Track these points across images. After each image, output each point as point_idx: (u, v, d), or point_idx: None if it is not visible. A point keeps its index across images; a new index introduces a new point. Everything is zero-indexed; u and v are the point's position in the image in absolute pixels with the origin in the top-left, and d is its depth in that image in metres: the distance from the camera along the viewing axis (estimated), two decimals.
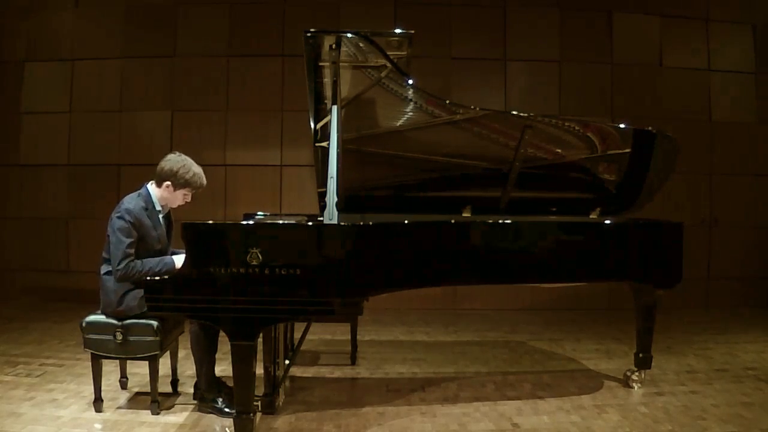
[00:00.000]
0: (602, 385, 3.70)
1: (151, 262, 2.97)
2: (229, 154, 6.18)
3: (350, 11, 6.11)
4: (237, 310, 2.62)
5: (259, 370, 2.96)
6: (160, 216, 3.15)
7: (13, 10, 6.28)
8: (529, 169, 3.68)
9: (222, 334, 2.77)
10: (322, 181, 3.44)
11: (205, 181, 3.16)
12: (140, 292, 2.90)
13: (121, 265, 2.91)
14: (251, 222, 3.46)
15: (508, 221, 3.24)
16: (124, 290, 3.01)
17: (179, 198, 3.14)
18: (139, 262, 2.95)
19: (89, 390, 3.20)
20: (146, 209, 3.06)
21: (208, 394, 3.16)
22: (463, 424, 3.08)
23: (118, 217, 2.97)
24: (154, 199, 3.11)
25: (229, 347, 2.64)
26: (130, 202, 3.04)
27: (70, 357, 4.14)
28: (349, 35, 2.98)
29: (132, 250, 2.95)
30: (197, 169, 3.12)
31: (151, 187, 3.13)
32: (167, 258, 3.02)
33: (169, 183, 3.08)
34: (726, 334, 5.08)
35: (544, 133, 3.61)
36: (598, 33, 6.32)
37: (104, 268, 3.04)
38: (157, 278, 2.72)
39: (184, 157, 3.13)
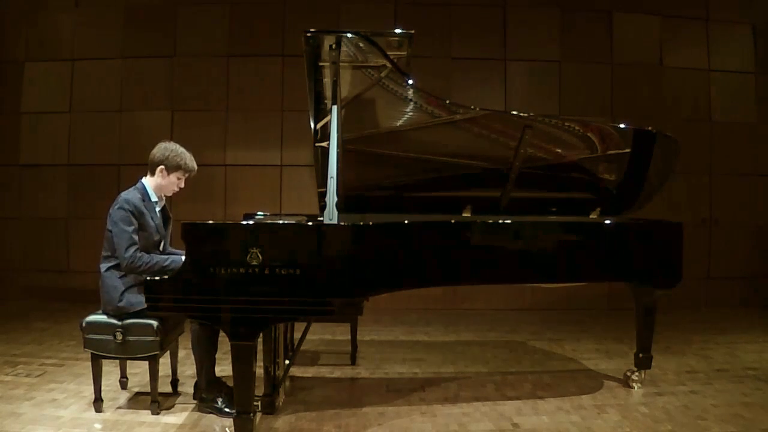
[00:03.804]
0: (602, 385, 3.70)
1: (160, 258, 3.01)
2: (229, 154, 6.17)
3: (350, 11, 6.11)
4: (237, 310, 2.62)
5: (259, 370, 2.97)
6: (157, 208, 3.20)
7: (13, 10, 6.28)
8: (530, 169, 3.68)
9: (222, 334, 2.77)
10: (322, 181, 3.43)
11: (195, 165, 3.24)
12: (141, 289, 2.91)
13: (129, 252, 2.94)
14: (251, 222, 3.46)
15: (509, 221, 3.24)
16: (125, 287, 3.02)
17: (173, 183, 3.19)
18: (146, 254, 2.99)
19: (89, 390, 3.20)
20: (143, 201, 3.11)
21: (208, 394, 3.16)
22: (463, 424, 3.08)
23: (118, 208, 3.02)
24: (150, 190, 3.17)
25: (229, 347, 2.64)
26: (128, 194, 3.10)
27: (70, 357, 4.14)
28: (349, 35, 2.97)
29: (137, 237, 2.98)
30: (187, 154, 3.20)
31: (146, 179, 3.19)
32: (177, 258, 3.03)
33: (162, 167, 3.14)
34: (726, 334, 5.08)
35: (544, 133, 3.60)
36: (598, 33, 6.32)
37: (104, 266, 3.05)
38: (157, 278, 2.72)
39: (173, 143, 3.21)
